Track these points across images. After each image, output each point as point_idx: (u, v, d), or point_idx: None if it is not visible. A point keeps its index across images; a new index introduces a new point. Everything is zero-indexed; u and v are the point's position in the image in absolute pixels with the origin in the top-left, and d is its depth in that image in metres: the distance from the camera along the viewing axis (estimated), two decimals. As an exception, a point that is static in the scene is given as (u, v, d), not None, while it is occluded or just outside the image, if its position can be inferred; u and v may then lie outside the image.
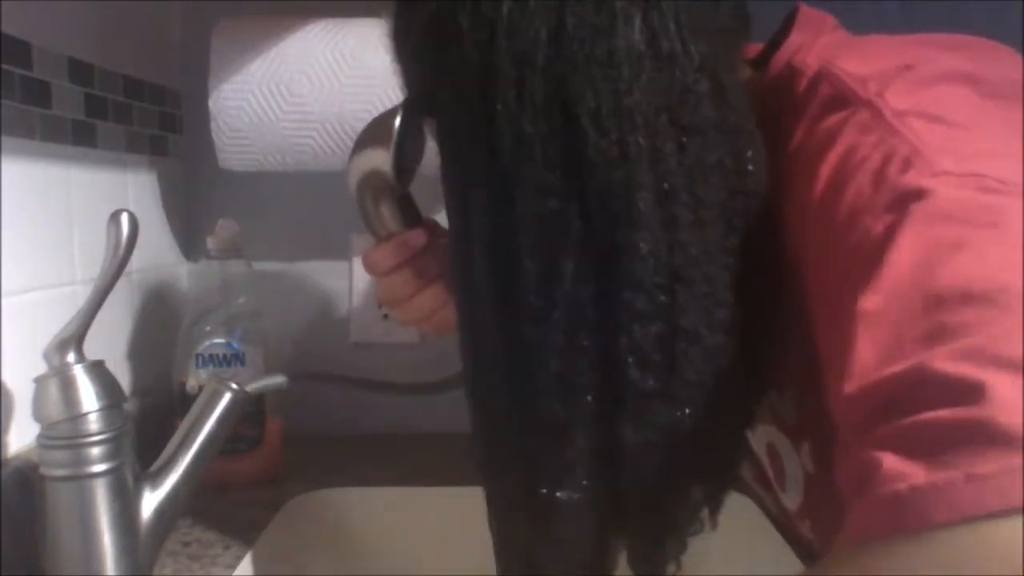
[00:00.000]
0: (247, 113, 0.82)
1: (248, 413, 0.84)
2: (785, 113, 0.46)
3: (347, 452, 0.95)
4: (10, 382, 0.64)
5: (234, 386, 0.60)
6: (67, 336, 0.54)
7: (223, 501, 0.79)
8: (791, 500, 0.55)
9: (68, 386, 0.53)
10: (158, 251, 0.95)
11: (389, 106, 0.77)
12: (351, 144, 0.82)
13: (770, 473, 0.56)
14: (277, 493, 0.82)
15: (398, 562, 0.86)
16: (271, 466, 0.86)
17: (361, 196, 0.56)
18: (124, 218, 0.53)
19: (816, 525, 0.53)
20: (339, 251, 1.02)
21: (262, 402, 0.85)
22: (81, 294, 0.55)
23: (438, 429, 0.99)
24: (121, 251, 0.53)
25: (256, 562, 0.70)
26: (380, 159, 0.54)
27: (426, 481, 0.86)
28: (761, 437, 0.55)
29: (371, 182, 0.56)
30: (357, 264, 1.01)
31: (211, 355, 0.83)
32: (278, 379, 0.62)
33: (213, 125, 0.83)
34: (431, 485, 0.86)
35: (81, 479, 0.54)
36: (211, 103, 0.83)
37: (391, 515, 0.86)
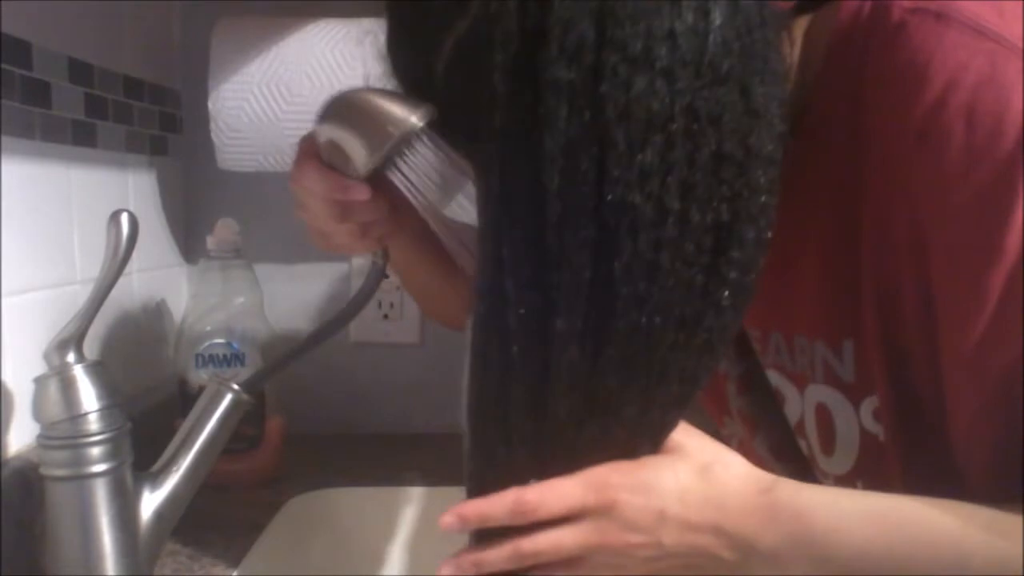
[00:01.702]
0: (247, 113, 0.82)
1: (248, 413, 0.83)
2: (880, 60, 0.44)
3: (347, 452, 0.95)
4: (10, 382, 0.64)
5: (235, 387, 0.60)
6: (67, 336, 0.54)
7: (223, 501, 0.79)
8: (838, 464, 0.54)
9: (68, 386, 0.53)
10: (158, 251, 0.95)
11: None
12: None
13: (813, 437, 0.55)
14: (277, 493, 0.82)
15: (397, 562, 0.86)
16: (271, 466, 0.86)
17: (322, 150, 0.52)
18: (124, 218, 0.53)
19: (873, 486, 0.51)
20: (339, 251, 1.02)
21: (262, 402, 0.85)
22: (81, 294, 0.54)
23: (438, 429, 0.99)
24: (121, 251, 0.53)
25: (256, 562, 0.70)
26: (357, 152, 0.49)
27: (425, 481, 0.86)
28: (811, 397, 0.54)
29: (335, 156, 0.51)
30: (357, 264, 1.01)
31: (211, 355, 0.83)
32: None
33: (213, 126, 0.83)
34: (430, 485, 0.86)
35: (81, 479, 0.54)
36: (211, 104, 0.83)
37: (391, 515, 0.86)
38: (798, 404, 0.56)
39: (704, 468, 0.46)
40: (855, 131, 0.45)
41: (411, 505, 0.86)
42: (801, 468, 0.58)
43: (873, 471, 0.52)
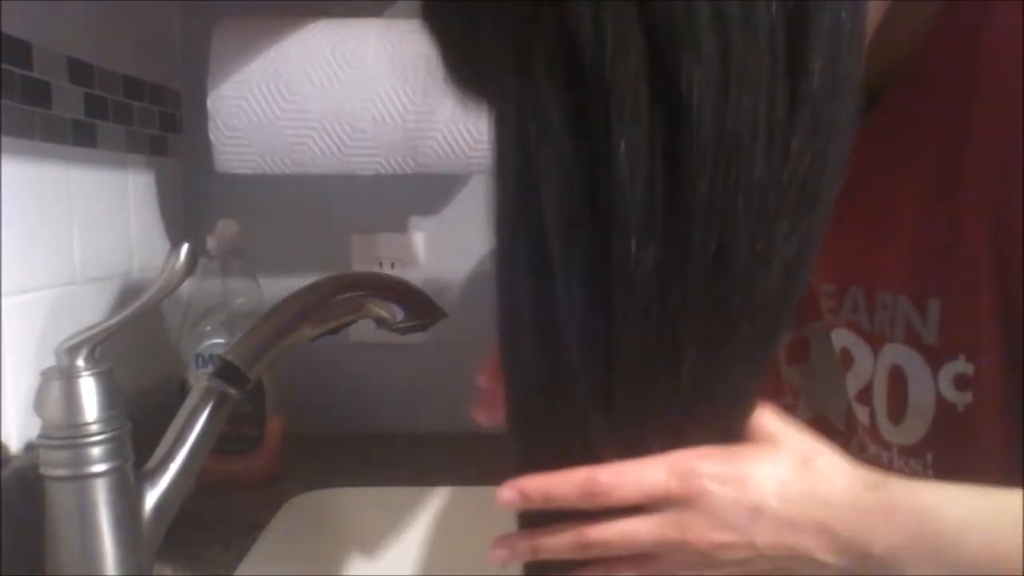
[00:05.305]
0: (246, 112, 0.82)
1: (248, 413, 0.84)
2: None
3: (347, 452, 0.95)
4: (10, 382, 0.64)
5: (222, 381, 0.60)
6: (84, 339, 0.53)
7: (223, 501, 0.79)
8: (906, 434, 0.49)
9: (72, 387, 0.53)
10: (158, 251, 0.95)
11: (388, 105, 0.76)
12: (350, 143, 0.83)
13: (881, 403, 0.51)
14: (277, 493, 0.82)
15: (398, 562, 0.86)
16: (271, 466, 0.86)
17: None
18: (184, 251, 0.54)
19: (944, 460, 0.48)
20: (339, 251, 1.02)
21: (262, 402, 0.85)
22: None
23: (438, 429, 0.99)
24: (173, 282, 0.53)
25: (256, 562, 0.70)
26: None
27: (426, 481, 0.86)
28: (886, 358, 0.49)
29: None
30: (357, 263, 1.02)
31: (211, 355, 0.83)
32: None
33: (211, 124, 0.83)
34: (431, 485, 0.86)
35: (81, 479, 0.54)
36: (209, 103, 0.83)
37: (391, 515, 0.86)
38: (869, 366, 0.51)
39: (805, 460, 0.41)
40: (972, 80, 0.42)
41: (411, 505, 0.86)
42: (836, 447, 0.56)
43: (946, 443, 0.47)
